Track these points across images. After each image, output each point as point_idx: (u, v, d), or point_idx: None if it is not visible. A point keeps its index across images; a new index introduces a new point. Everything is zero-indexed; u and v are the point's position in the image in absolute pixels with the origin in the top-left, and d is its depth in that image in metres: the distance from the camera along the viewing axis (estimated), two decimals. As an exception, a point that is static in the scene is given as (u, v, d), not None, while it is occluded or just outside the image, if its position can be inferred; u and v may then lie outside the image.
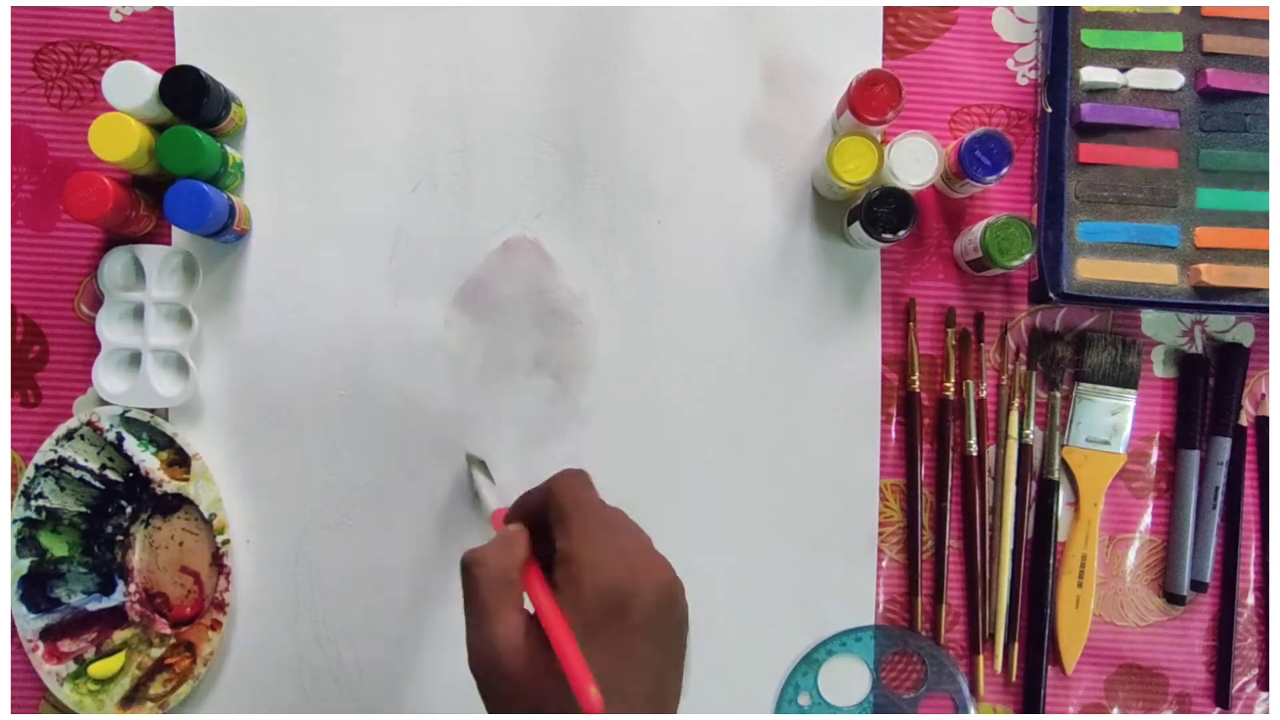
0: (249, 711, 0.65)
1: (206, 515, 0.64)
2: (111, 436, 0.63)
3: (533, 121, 0.66)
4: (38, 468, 0.63)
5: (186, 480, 0.64)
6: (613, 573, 0.42)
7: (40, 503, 0.63)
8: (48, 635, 0.63)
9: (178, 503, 0.65)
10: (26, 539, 0.63)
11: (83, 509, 0.64)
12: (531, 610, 0.43)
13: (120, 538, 0.65)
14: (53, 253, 0.65)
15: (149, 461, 0.64)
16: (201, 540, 0.65)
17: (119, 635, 0.64)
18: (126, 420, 0.64)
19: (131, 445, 0.63)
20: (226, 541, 0.64)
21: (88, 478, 0.64)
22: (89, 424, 0.63)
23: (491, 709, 0.42)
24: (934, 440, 0.67)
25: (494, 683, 0.41)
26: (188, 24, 0.65)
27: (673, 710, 0.43)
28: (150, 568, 0.65)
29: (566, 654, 0.39)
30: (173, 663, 0.64)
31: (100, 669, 0.63)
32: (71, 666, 0.63)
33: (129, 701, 0.63)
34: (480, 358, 0.66)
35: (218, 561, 0.64)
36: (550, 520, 0.44)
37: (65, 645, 0.63)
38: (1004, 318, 0.67)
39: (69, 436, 0.63)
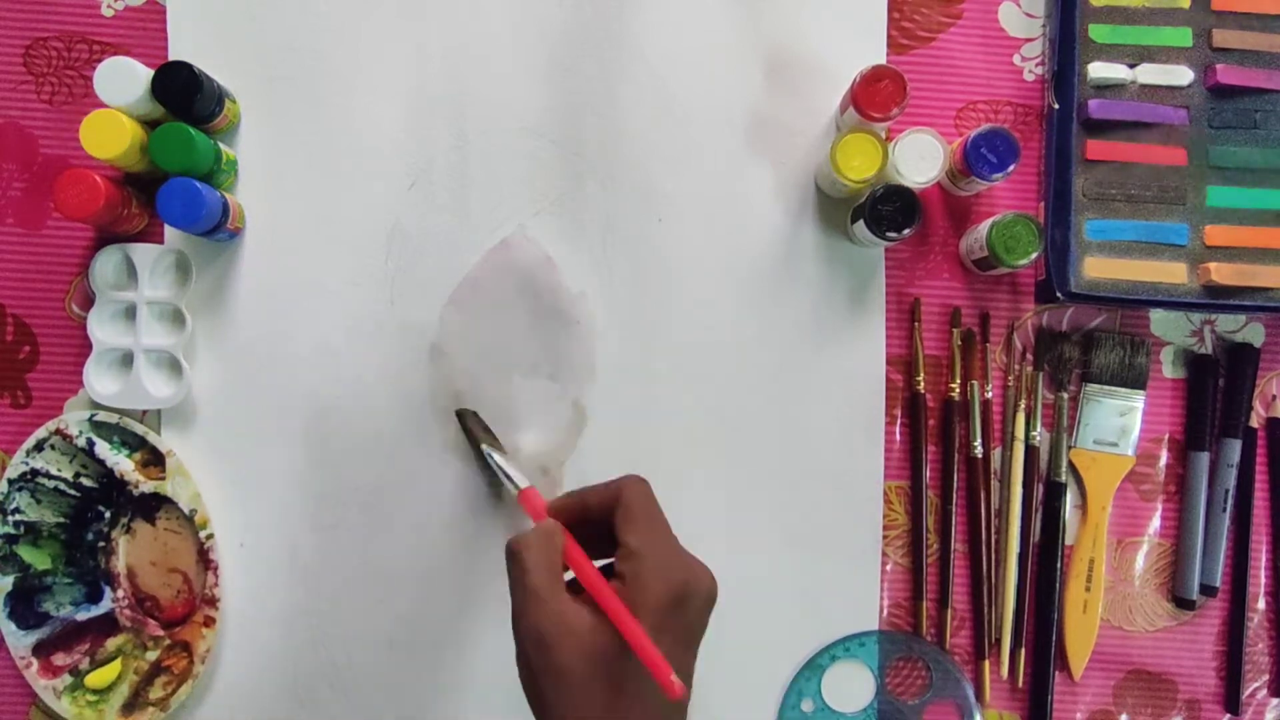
0: (245, 717, 0.64)
1: (187, 511, 0.63)
2: (81, 443, 0.62)
3: (531, 118, 0.65)
4: (10, 482, 0.62)
5: (163, 479, 0.63)
6: (677, 574, 0.46)
7: (17, 517, 0.62)
8: (40, 650, 0.62)
9: (157, 502, 0.64)
10: (7, 555, 0.62)
11: (61, 519, 0.63)
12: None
13: (102, 544, 0.64)
14: (43, 251, 0.64)
15: (123, 464, 0.63)
16: (185, 538, 0.64)
17: (112, 643, 0.63)
18: (95, 424, 0.63)
19: (103, 449, 0.63)
20: (210, 536, 0.63)
21: (62, 487, 0.63)
22: (58, 432, 0.62)
23: (540, 689, 0.45)
24: (939, 442, 0.66)
25: (551, 664, 0.44)
26: (180, 19, 0.64)
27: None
28: (136, 571, 0.64)
29: (644, 644, 0.43)
30: (170, 664, 0.63)
31: (97, 679, 0.62)
32: (67, 679, 0.62)
33: (130, 708, 0.62)
34: (477, 358, 0.65)
35: (204, 558, 0.63)
36: (617, 519, 0.48)
37: (59, 659, 0.63)
38: (1010, 317, 0.67)
39: (39, 447, 0.62)
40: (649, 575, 0.46)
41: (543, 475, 0.65)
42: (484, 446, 0.60)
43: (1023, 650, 0.65)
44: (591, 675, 0.44)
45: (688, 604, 0.46)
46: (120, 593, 0.64)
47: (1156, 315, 0.67)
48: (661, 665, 0.43)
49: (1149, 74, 0.64)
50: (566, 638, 0.44)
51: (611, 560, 0.48)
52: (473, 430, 0.62)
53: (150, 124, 0.60)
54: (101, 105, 0.58)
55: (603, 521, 0.49)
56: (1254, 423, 0.66)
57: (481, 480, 0.65)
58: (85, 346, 0.63)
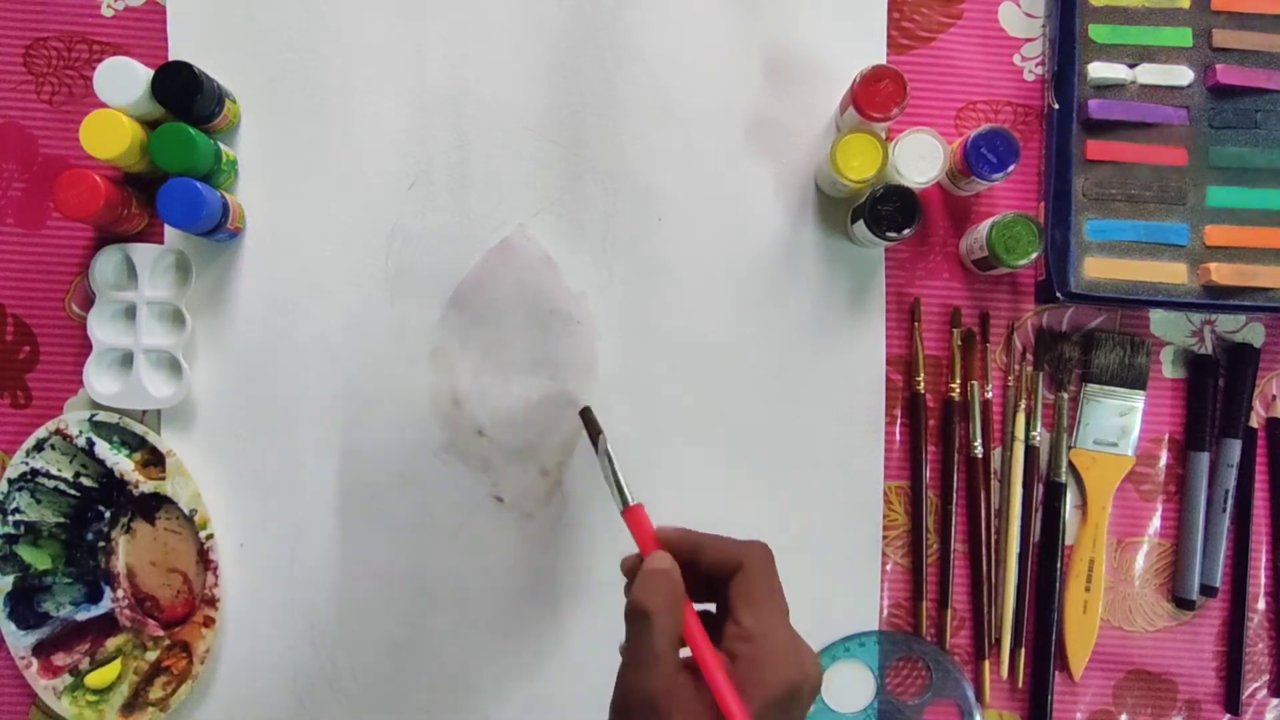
0: (245, 717, 0.64)
1: (187, 512, 0.63)
2: (81, 443, 0.62)
3: (531, 118, 0.65)
4: (10, 482, 0.62)
5: (163, 479, 0.63)
6: (793, 668, 0.44)
7: (17, 517, 0.62)
8: (40, 650, 0.62)
9: (157, 503, 0.64)
10: (7, 555, 0.62)
11: (61, 519, 0.63)
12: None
13: (102, 544, 0.64)
14: (43, 251, 0.64)
15: (123, 464, 0.63)
16: (185, 538, 0.64)
17: (112, 643, 0.63)
18: (95, 424, 0.63)
19: (103, 449, 0.63)
20: (210, 536, 0.63)
21: (62, 487, 0.63)
22: (58, 432, 0.62)
23: None
24: (939, 442, 0.66)
25: None
26: (180, 19, 0.64)
27: None
28: (136, 571, 0.64)
29: None
30: (169, 664, 0.63)
31: (97, 679, 0.63)
32: (67, 679, 0.62)
33: (130, 708, 0.63)
34: (478, 358, 0.65)
35: (204, 558, 0.63)
36: (734, 588, 0.46)
37: (59, 659, 0.63)
38: (1010, 317, 0.66)
39: (39, 447, 0.62)
40: (765, 665, 0.44)
41: (543, 475, 0.65)
42: (607, 445, 0.56)
43: (1023, 650, 0.65)
44: None
45: (798, 700, 0.44)
46: (120, 593, 0.63)
47: (1156, 315, 0.67)
48: None
49: (1149, 74, 0.64)
50: (677, 713, 0.43)
51: (707, 607, 0.48)
52: (593, 426, 0.60)
53: (150, 124, 0.60)
54: (101, 105, 0.58)
55: (711, 575, 0.47)
56: (1254, 423, 0.66)
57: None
58: (85, 346, 0.63)
